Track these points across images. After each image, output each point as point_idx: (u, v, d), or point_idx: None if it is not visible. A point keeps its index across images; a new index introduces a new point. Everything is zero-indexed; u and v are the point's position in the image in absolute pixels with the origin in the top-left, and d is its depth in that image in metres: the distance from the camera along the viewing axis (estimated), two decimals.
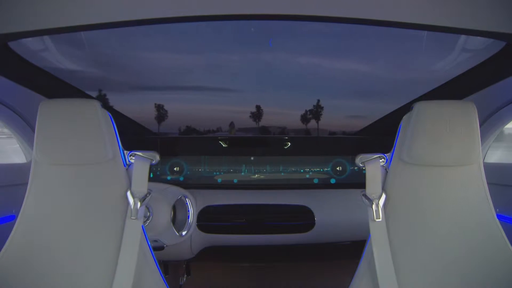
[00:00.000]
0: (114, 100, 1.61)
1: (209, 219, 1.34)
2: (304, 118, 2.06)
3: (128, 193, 0.85)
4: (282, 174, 1.47)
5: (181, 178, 1.46)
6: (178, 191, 1.25)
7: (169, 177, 1.46)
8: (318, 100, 1.98)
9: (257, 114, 2.06)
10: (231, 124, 1.87)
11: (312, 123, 1.99)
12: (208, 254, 1.41)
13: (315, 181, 1.46)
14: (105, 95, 1.60)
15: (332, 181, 1.46)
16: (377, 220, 0.84)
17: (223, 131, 1.96)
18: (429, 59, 1.22)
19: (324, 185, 1.46)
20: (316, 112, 2.03)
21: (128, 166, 0.91)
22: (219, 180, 1.45)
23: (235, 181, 1.46)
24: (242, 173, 1.46)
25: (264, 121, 1.97)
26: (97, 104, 0.84)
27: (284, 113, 2.04)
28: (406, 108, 0.89)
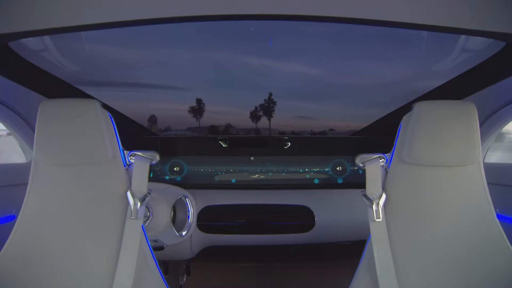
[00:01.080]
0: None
1: (209, 219, 1.34)
2: (254, 116, 2.04)
3: (128, 193, 0.85)
4: (282, 174, 1.47)
5: (181, 178, 1.46)
6: (178, 191, 1.26)
7: (169, 177, 1.46)
8: (270, 94, 1.95)
9: (199, 110, 2.05)
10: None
11: (263, 122, 1.98)
12: (208, 254, 1.41)
13: (315, 181, 1.46)
14: None
15: (333, 181, 1.46)
16: (377, 220, 0.84)
17: (172, 129, 1.93)
18: (429, 59, 1.22)
19: (324, 185, 1.46)
20: (267, 107, 2.01)
21: (128, 166, 0.91)
22: (219, 180, 1.45)
23: (235, 181, 1.46)
24: (242, 173, 1.46)
25: (211, 120, 1.96)
26: (97, 104, 0.84)
27: (233, 112, 2.02)
28: (406, 108, 0.89)
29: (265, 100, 1.95)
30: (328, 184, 1.46)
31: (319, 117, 1.61)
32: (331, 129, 1.59)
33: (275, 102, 1.92)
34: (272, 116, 1.95)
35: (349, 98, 1.60)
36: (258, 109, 2.02)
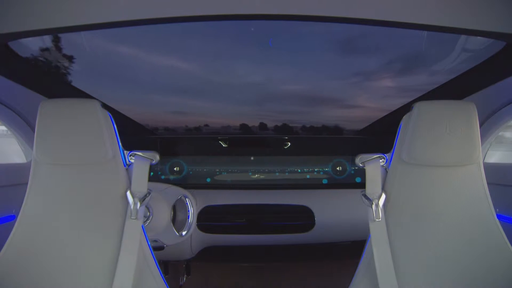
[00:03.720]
0: None
1: (209, 219, 1.34)
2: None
3: (128, 193, 0.85)
4: (282, 174, 1.47)
5: (181, 178, 1.46)
6: (178, 191, 1.26)
7: (169, 177, 1.46)
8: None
9: None
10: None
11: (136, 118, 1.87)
12: (208, 254, 1.41)
13: (315, 181, 1.46)
14: None
15: (332, 181, 1.46)
16: (377, 220, 0.84)
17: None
18: (429, 59, 1.22)
19: (324, 185, 1.46)
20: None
21: (128, 166, 0.91)
22: (219, 180, 1.45)
23: (235, 181, 1.46)
24: (242, 173, 1.46)
25: None
26: (97, 104, 0.84)
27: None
28: (406, 108, 0.89)
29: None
30: (328, 184, 1.46)
31: (195, 113, 1.61)
32: (206, 125, 1.63)
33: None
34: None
35: (222, 95, 1.62)
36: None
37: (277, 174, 1.47)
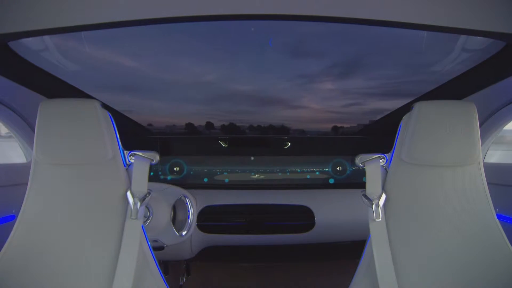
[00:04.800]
0: None
1: (209, 219, 1.34)
2: None
3: (128, 193, 0.85)
4: (282, 174, 1.47)
5: (181, 178, 1.46)
6: (178, 191, 1.26)
7: (169, 177, 1.46)
8: None
9: None
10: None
11: None
12: (208, 254, 1.41)
13: (315, 181, 1.46)
14: None
15: (332, 181, 1.46)
16: (377, 220, 0.84)
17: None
18: (429, 59, 1.22)
19: (324, 185, 1.46)
20: None
21: (128, 166, 0.91)
22: (219, 180, 1.45)
23: (235, 181, 1.46)
24: (242, 173, 1.46)
25: None
26: (97, 104, 0.84)
27: None
28: (406, 108, 0.89)
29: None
30: (328, 184, 1.46)
31: (141, 112, 1.62)
32: (149, 124, 1.63)
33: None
34: None
35: (170, 94, 1.62)
36: None
37: (277, 174, 1.47)
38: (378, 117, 1.61)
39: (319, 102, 1.68)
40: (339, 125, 1.68)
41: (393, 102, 1.53)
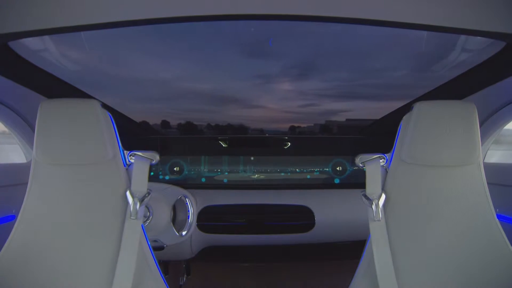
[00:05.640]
0: None
1: (209, 219, 1.34)
2: None
3: (128, 193, 0.85)
4: (282, 174, 1.47)
5: (181, 178, 1.46)
6: (178, 191, 1.26)
7: (169, 177, 1.46)
8: None
9: None
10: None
11: None
12: (208, 254, 1.41)
13: (315, 181, 1.46)
14: None
15: (333, 181, 1.46)
16: (377, 220, 0.84)
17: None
18: (429, 59, 1.22)
19: (324, 185, 1.46)
20: None
21: (128, 166, 0.91)
22: (219, 180, 1.46)
23: (235, 181, 1.46)
24: (242, 173, 1.46)
25: None
26: (97, 104, 0.84)
27: None
28: (406, 108, 0.89)
29: None
30: (328, 184, 1.46)
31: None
32: None
33: None
34: None
35: (124, 91, 1.61)
36: None
37: (277, 174, 1.47)
38: (333, 118, 1.64)
39: (276, 102, 1.70)
40: (296, 124, 1.70)
41: (347, 104, 1.56)
